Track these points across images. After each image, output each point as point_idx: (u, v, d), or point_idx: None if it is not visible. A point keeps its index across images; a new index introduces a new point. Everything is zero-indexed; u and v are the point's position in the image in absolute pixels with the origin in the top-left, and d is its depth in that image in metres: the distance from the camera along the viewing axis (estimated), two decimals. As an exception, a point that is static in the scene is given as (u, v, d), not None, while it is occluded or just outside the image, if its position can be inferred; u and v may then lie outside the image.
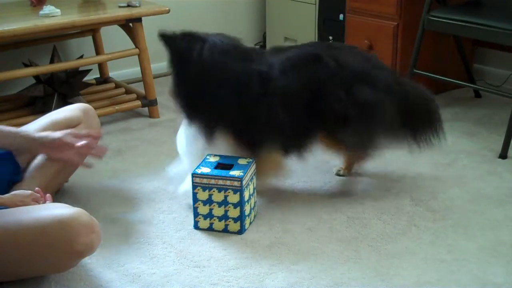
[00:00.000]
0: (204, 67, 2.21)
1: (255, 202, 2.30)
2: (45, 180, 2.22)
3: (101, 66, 3.62)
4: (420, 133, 2.42)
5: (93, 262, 2.02)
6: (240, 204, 2.17)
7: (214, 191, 2.17)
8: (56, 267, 1.90)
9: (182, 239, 2.18)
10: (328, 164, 2.70)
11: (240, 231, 2.20)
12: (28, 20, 2.90)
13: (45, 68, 3.03)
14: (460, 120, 3.17)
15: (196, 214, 2.22)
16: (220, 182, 2.16)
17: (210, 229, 2.22)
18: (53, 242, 1.80)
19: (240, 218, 2.18)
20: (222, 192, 2.17)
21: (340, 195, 2.47)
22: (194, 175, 2.18)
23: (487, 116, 3.21)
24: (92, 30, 3.45)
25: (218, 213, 2.20)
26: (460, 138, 2.97)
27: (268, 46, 4.14)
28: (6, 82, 3.07)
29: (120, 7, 3.17)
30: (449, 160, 2.75)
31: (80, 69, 3.30)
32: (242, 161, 2.25)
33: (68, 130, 2.23)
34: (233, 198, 2.16)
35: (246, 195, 2.19)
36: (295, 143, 2.32)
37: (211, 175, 2.17)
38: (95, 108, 2.60)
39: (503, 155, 2.75)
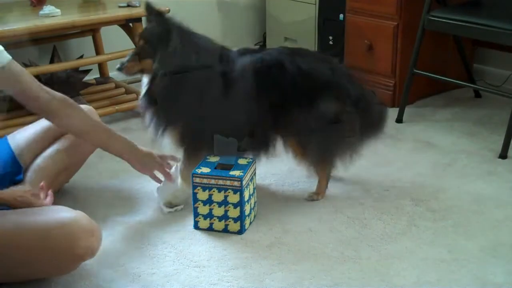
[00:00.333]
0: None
1: (255, 202, 2.30)
2: (46, 181, 2.22)
3: (101, 66, 3.62)
4: (368, 139, 2.39)
5: (93, 262, 2.01)
6: (240, 204, 2.17)
7: (214, 191, 2.17)
8: (56, 270, 1.90)
9: (182, 239, 2.18)
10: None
11: (240, 231, 2.20)
12: (28, 20, 2.90)
13: (45, 68, 3.04)
14: (460, 120, 3.17)
15: (196, 214, 2.22)
16: (220, 182, 2.16)
17: (210, 229, 2.22)
18: (54, 245, 1.80)
19: (240, 218, 2.18)
20: (222, 192, 2.17)
21: (340, 195, 2.46)
22: (194, 175, 2.18)
23: (487, 116, 3.21)
24: (92, 30, 3.45)
25: (218, 213, 2.20)
26: (460, 138, 2.97)
27: (268, 46, 4.15)
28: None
29: (120, 7, 3.17)
30: (449, 160, 2.75)
31: (80, 69, 3.30)
32: (242, 161, 2.25)
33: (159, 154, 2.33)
34: (233, 198, 2.16)
35: (246, 195, 2.19)
36: (257, 144, 2.31)
37: (211, 175, 2.17)
38: (95, 108, 2.60)
39: (503, 155, 2.75)
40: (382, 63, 3.35)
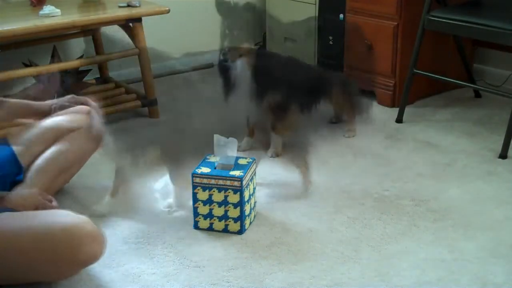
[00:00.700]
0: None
1: (255, 202, 2.30)
2: (47, 181, 2.22)
3: (101, 66, 3.62)
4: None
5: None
6: (240, 204, 2.17)
7: (214, 191, 2.17)
8: (58, 275, 1.90)
9: (182, 239, 2.18)
10: (328, 164, 2.70)
11: (240, 231, 2.20)
12: (28, 20, 2.90)
13: (45, 68, 3.03)
14: (460, 120, 3.17)
15: (196, 214, 2.22)
16: (220, 182, 2.16)
17: (210, 229, 2.22)
18: (56, 250, 1.80)
19: (240, 218, 2.18)
20: (222, 192, 2.17)
21: (340, 195, 2.47)
22: (194, 175, 2.19)
23: (487, 116, 3.21)
24: (92, 30, 3.45)
25: (218, 213, 2.20)
26: (460, 138, 2.97)
27: (268, 46, 4.15)
28: (6, 82, 3.08)
29: (120, 7, 3.17)
30: (449, 160, 2.75)
31: (80, 69, 3.30)
32: (242, 161, 2.25)
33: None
34: (233, 198, 2.16)
35: (246, 195, 2.19)
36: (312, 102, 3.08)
37: (211, 175, 2.17)
38: (95, 108, 2.60)
39: (503, 155, 2.75)
40: (382, 63, 3.35)
